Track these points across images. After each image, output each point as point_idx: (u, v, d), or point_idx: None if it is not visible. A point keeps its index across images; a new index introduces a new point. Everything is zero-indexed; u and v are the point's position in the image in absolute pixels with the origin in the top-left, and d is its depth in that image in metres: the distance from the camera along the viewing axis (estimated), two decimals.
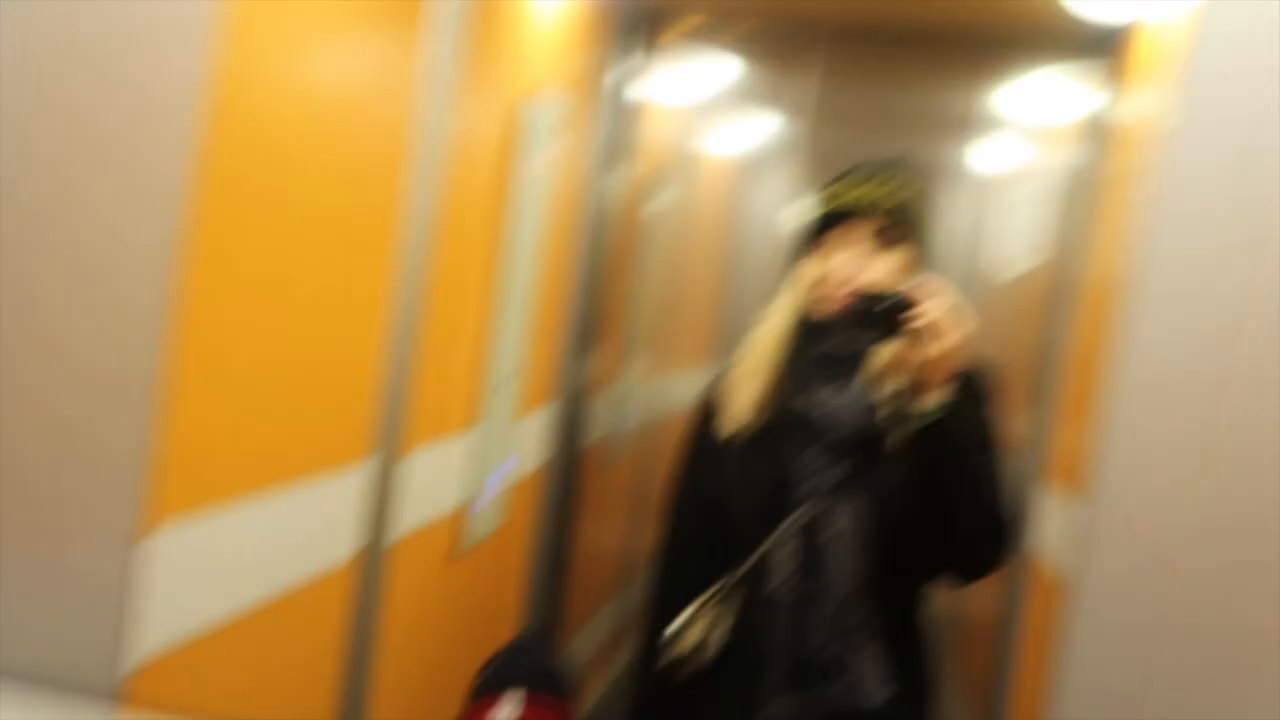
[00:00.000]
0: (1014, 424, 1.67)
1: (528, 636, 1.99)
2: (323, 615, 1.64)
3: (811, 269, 1.60)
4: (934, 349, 1.41)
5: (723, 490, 1.63)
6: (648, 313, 2.97)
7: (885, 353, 1.57)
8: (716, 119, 2.86)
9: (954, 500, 1.46)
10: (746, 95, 2.82)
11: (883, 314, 1.43)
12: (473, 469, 2.14)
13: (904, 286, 1.45)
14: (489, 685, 1.80)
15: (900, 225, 1.57)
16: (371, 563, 1.75)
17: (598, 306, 2.83)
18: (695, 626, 1.60)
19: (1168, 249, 0.88)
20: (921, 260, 1.59)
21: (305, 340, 1.49)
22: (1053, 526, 2.11)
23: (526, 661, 1.86)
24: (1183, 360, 0.90)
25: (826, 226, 1.59)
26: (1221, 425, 0.89)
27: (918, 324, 1.41)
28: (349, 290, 1.59)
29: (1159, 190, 0.88)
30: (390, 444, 1.75)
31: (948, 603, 2.01)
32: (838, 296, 1.55)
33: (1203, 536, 0.90)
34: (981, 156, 2.64)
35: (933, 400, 1.45)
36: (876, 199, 1.57)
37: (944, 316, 1.41)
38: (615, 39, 2.65)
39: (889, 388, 1.57)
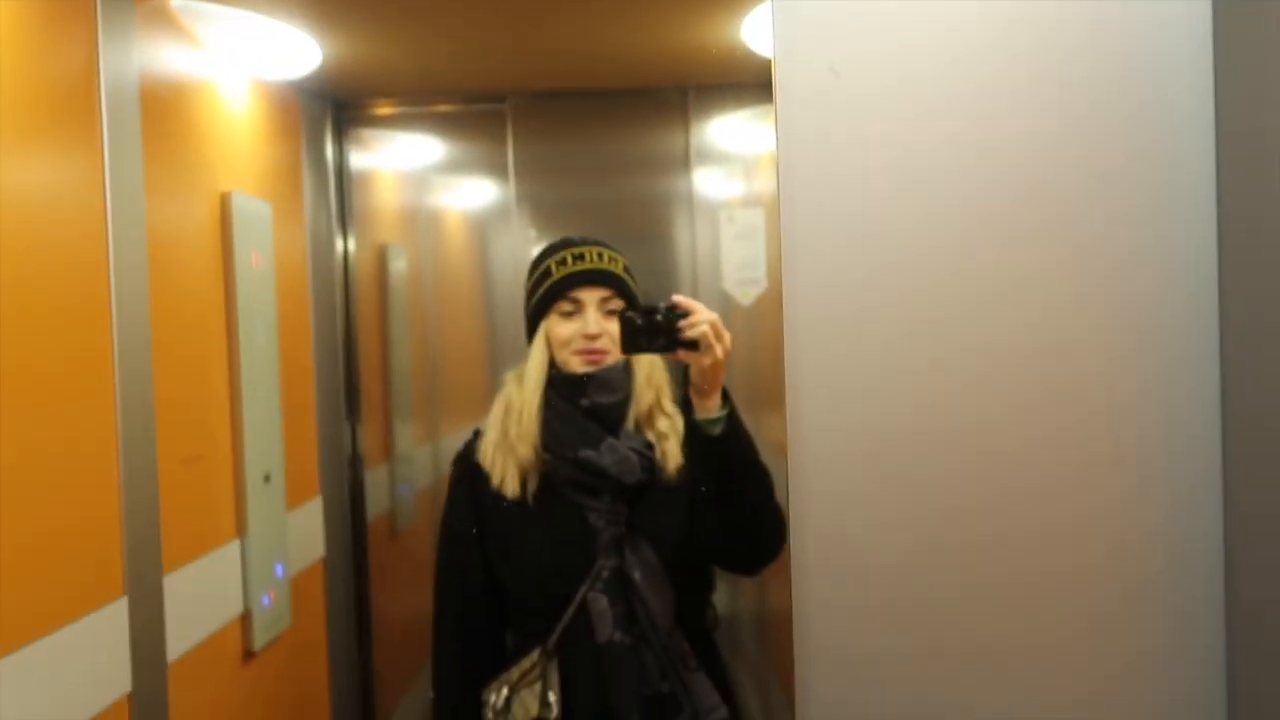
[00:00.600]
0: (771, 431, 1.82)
1: None
2: None
3: (560, 330, 1.70)
4: (709, 357, 1.49)
5: (516, 552, 1.66)
6: (410, 378, 3.00)
7: (645, 398, 1.69)
8: (435, 183, 2.93)
9: (750, 499, 1.55)
10: (454, 162, 2.92)
11: (663, 324, 1.49)
12: (253, 569, 2.11)
13: (669, 301, 1.51)
14: None
15: (622, 292, 1.70)
16: (153, 686, 1.70)
17: (356, 381, 2.84)
18: (527, 693, 1.63)
19: (801, 263, 1.02)
20: None
21: (24, 492, 1.44)
22: None
23: None
24: (833, 361, 1.04)
25: (561, 292, 1.71)
26: (884, 413, 1.03)
27: (695, 332, 1.49)
28: (67, 425, 1.54)
29: (784, 209, 1.02)
30: (148, 568, 1.71)
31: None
32: (587, 353, 1.65)
33: (890, 529, 1.04)
34: (708, 188, 2.83)
35: (713, 408, 1.54)
36: (605, 270, 1.70)
37: (715, 325, 1.50)
38: (313, 125, 2.69)
39: (656, 430, 1.69)
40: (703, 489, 1.59)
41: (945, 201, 0.99)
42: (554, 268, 1.71)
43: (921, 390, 1.00)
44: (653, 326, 1.50)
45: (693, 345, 1.50)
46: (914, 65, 1.00)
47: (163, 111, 1.88)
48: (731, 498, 1.56)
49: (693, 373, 1.53)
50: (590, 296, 1.68)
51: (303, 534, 2.44)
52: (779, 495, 1.57)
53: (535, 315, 1.73)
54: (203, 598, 1.93)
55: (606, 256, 1.72)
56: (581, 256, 1.71)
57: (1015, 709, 1.01)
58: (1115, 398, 1.00)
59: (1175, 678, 1.02)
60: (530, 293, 1.75)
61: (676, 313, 1.50)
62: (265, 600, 2.16)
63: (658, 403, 1.70)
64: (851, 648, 1.01)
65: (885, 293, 1.02)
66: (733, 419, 1.55)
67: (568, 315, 1.69)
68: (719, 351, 1.50)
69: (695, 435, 1.56)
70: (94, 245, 1.62)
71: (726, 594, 2.74)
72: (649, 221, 2.86)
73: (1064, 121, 0.99)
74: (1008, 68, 1.00)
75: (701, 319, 1.50)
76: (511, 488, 1.66)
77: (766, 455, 1.60)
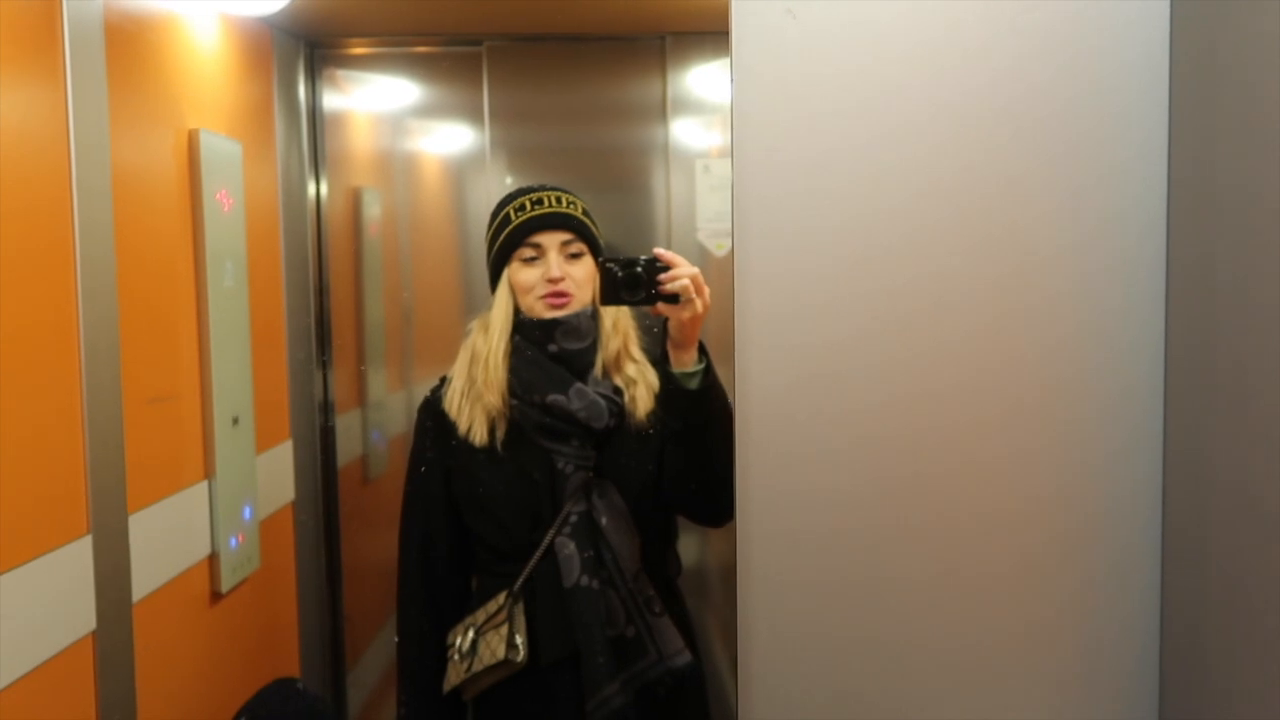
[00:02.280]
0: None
1: (276, 684, 1.98)
2: (72, 690, 1.60)
3: (522, 276, 1.69)
4: (689, 311, 1.50)
5: (485, 498, 1.67)
6: (383, 324, 2.98)
7: (612, 343, 1.69)
8: (410, 127, 2.90)
9: (721, 454, 1.51)
10: (430, 106, 2.88)
11: (644, 276, 1.49)
12: (221, 511, 2.11)
13: (650, 253, 1.51)
14: None
15: (584, 238, 1.70)
16: (117, 625, 1.70)
17: (328, 326, 2.83)
18: (493, 635, 1.65)
19: (753, 212, 1.02)
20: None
21: None
22: None
23: (281, 710, 1.85)
24: (783, 318, 1.04)
25: (521, 238, 1.69)
26: (833, 381, 1.04)
27: (676, 286, 1.49)
28: (29, 364, 1.52)
29: (738, 167, 1.02)
30: (114, 507, 1.70)
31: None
32: (552, 296, 1.66)
33: (834, 462, 1.05)
34: (684, 137, 2.81)
35: (689, 361, 1.55)
36: (565, 214, 1.69)
37: (696, 278, 1.50)
38: (285, 63, 2.64)
39: (624, 375, 1.69)
40: (674, 441, 1.60)
41: (900, 151, 1.00)
42: (513, 214, 1.70)
43: (869, 334, 1.01)
44: (633, 279, 1.50)
45: (673, 299, 1.49)
46: (872, 8, 0.99)
47: (128, 45, 1.84)
48: (703, 451, 1.57)
49: (671, 326, 1.54)
50: (551, 240, 1.67)
51: (272, 477, 2.44)
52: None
53: (497, 263, 1.72)
54: (169, 538, 1.93)
55: (565, 200, 1.71)
56: (540, 201, 1.70)
57: (955, 638, 1.04)
58: (1057, 334, 1.02)
59: (1111, 614, 1.04)
60: (491, 241, 1.74)
61: (657, 266, 1.50)
62: (233, 542, 2.16)
63: (625, 349, 1.71)
64: (789, 574, 1.03)
65: (836, 241, 1.02)
66: (709, 373, 1.56)
67: (529, 261, 1.68)
68: (699, 306, 1.50)
69: (671, 388, 1.57)
70: (57, 182, 1.59)
71: (695, 542, 2.76)
72: (625, 170, 2.83)
73: (1023, 69, 1.00)
74: (969, 12, 1.00)
75: (682, 273, 1.50)
76: (479, 435, 1.67)
77: None
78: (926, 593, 1.03)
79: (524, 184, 1.80)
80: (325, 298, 2.82)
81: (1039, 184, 1.01)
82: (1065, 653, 1.04)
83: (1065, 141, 1.00)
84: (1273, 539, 0.85)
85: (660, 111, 2.80)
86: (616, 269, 1.51)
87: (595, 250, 1.72)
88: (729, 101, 1.03)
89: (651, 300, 1.51)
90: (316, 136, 2.78)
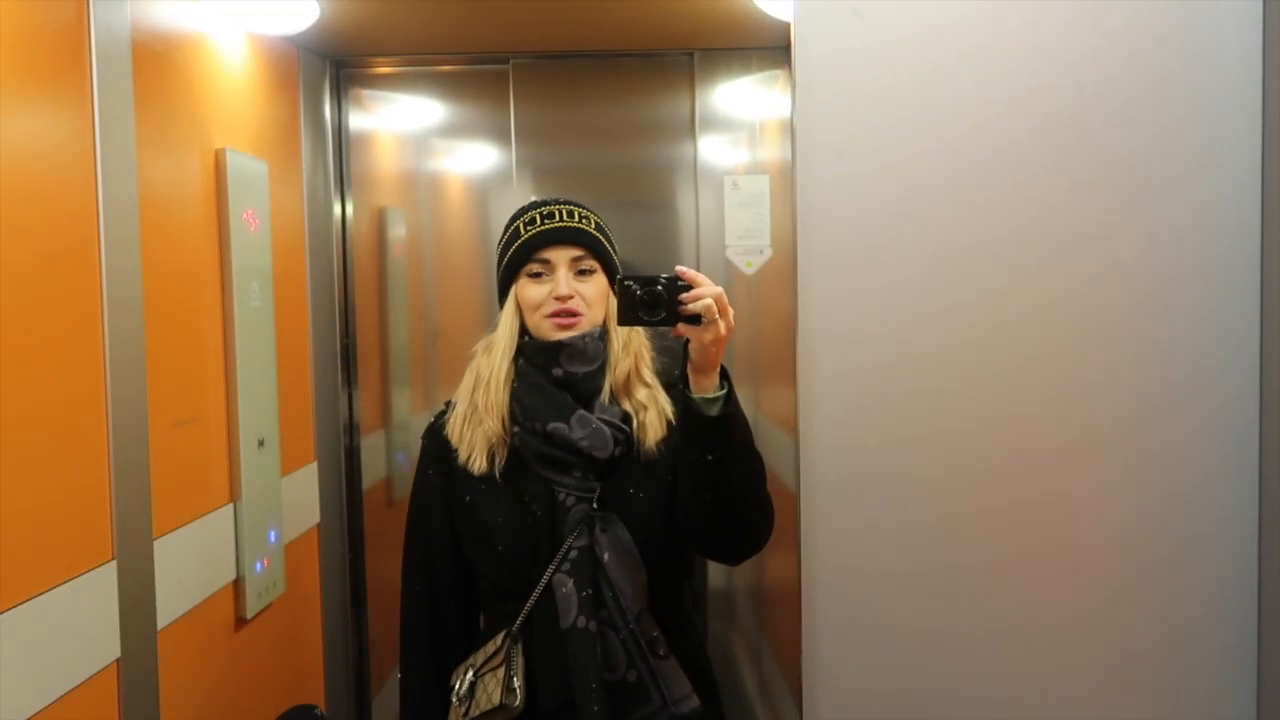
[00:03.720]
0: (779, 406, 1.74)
1: (296, 711, 1.94)
2: (98, 715, 1.56)
3: (529, 293, 1.62)
4: (711, 333, 1.39)
5: (483, 530, 1.59)
6: (408, 345, 2.95)
7: (622, 365, 1.61)
8: (436, 146, 2.88)
9: (740, 486, 1.45)
10: (455, 125, 2.86)
11: (665, 295, 1.39)
12: (246, 535, 2.07)
13: (672, 271, 1.41)
14: None
15: (597, 254, 1.62)
16: (142, 652, 1.67)
17: (353, 347, 2.80)
18: (490, 678, 1.57)
19: (818, 239, 0.97)
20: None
21: (8, 452, 1.40)
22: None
23: None
24: (851, 331, 1.00)
25: (529, 253, 1.62)
26: (894, 386, 0.99)
27: (699, 306, 1.38)
28: (54, 387, 1.50)
29: (802, 182, 0.97)
30: (139, 532, 1.67)
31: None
32: (559, 315, 1.57)
33: (908, 488, 1.00)
34: (713, 154, 2.77)
35: (711, 386, 1.43)
36: (576, 228, 1.62)
37: (720, 299, 1.39)
38: (311, 83, 2.63)
39: (634, 400, 1.60)
40: (689, 472, 1.50)
41: (974, 158, 0.95)
42: (522, 228, 1.63)
43: (940, 355, 0.96)
44: (653, 298, 1.40)
45: (695, 320, 1.39)
46: (943, 6, 0.95)
47: (155, 65, 1.82)
48: (721, 483, 1.45)
49: (692, 349, 1.42)
50: (560, 256, 1.59)
51: (297, 500, 2.41)
52: (788, 479, 1.49)
53: (506, 279, 1.65)
54: (194, 563, 1.90)
55: (577, 215, 1.63)
56: (551, 215, 1.62)
57: (1032, 686, 0.98)
58: (1145, 350, 0.96)
59: (1208, 649, 0.98)
60: (500, 256, 1.68)
61: (679, 284, 1.40)
62: (259, 566, 2.13)
63: (636, 371, 1.61)
64: (859, 618, 0.98)
65: (904, 258, 0.98)
66: (730, 399, 1.45)
67: (537, 277, 1.61)
68: (722, 328, 1.39)
69: (689, 415, 1.45)
70: (83, 202, 1.57)
71: (722, 566, 2.71)
72: (653, 188, 2.80)
73: (1105, 68, 0.95)
74: (1046, 11, 0.95)
75: (706, 292, 1.38)
76: (479, 463, 1.59)
77: (767, 433, 1.54)
78: (1009, 640, 0.98)
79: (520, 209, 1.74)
80: (350, 318, 2.80)
81: (1124, 190, 0.96)
82: (1162, 689, 0.98)
83: (1146, 142, 0.95)
84: None
85: (689, 128, 2.77)
86: (635, 287, 1.42)
87: (609, 268, 1.63)
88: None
89: (672, 321, 1.41)
90: (342, 156, 2.76)
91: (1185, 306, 0.95)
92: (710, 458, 1.45)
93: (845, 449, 0.96)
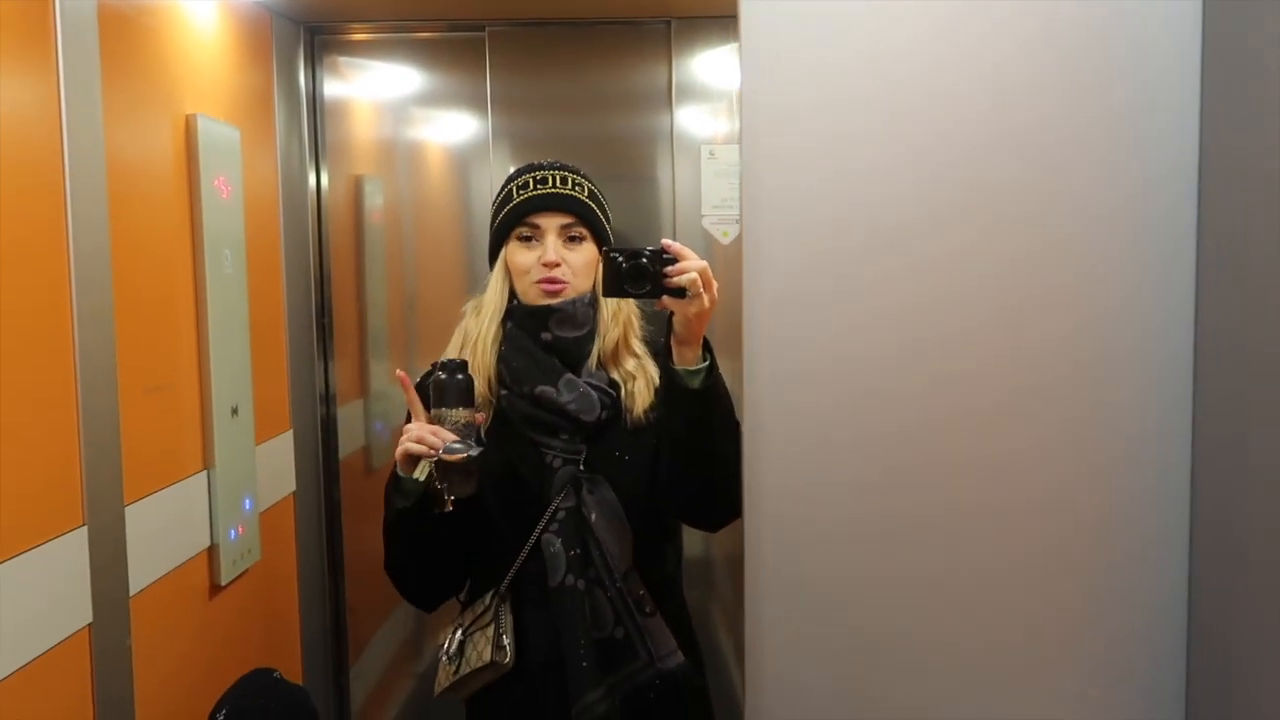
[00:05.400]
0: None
1: (254, 674, 1.95)
2: (69, 683, 1.57)
3: (518, 257, 1.63)
4: (695, 306, 1.42)
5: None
6: (385, 314, 2.95)
7: (611, 334, 1.63)
8: (412, 114, 2.86)
9: (720, 456, 1.46)
10: (432, 93, 2.84)
11: (650, 268, 1.42)
12: (220, 502, 2.08)
13: (657, 245, 1.44)
14: None
15: (586, 222, 1.63)
16: (114, 618, 1.68)
17: (329, 316, 2.80)
18: (479, 636, 1.59)
19: (764, 207, 0.98)
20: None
21: None
22: None
23: (265, 705, 1.82)
24: (794, 300, 1.01)
25: (519, 218, 1.64)
26: (840, 358, 1.00)
27: (683, 280, 1.41)
28: (21, 352, 1.49)
29: (748, 151, 0.98)
30: (110, 498, 1.68)
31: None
32: (546, 282, 1.59)
33: (851, 446, 1.02)
34: (690, 123, 2.77)
35: (693, 359, 1.47)
36: (567, 195, 1.63)
37: (704, 273, 1.43)
38: (284, 49, 2.61)
39: (623, 370, 1.62)
40: (671, 441, 1.54)
41: (916, 130, 0.97)
42: (515, 191, 1.65)
43: (882, 319, 0.98)
44: (638, 270, 1.43)
45: (679, 293, 1.42)
46: None
47: (123, 29, 1.81)
48: (702, 453, 1.49)
49: (676, 321, 1.46)
50: (550, 223, 1.61)
51: (272, 468, 2.41)
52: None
53: (496, 241, 1.67)
54: (168, 530, 1.91)
55: (571, 181, 1.64)
56: (544, 180, 1.63)
57: (975, 630, 1.01)
58: (1084, 311, 0.98)
59: (1139, 602, 1.01)
60: (493, 218, 1.69)
61: (664, 258, 1.43)
62: (233, 534, 2.13)
63: (625, 340, 1.64)
64: (800, 570, 1.00)
65: (848, 225, 0.99)
66: (712, 372, 1.49)
67: (527, 241, 1.62)
68: (706, 301, 1.43)
69: (672, 386, 1.50)
70: (49, 169, 1.56)
71: (700, 534, 2.73)
72: (629, 157, 2.80)
73: (1046, 44, 0.96)
74: None
75: (690, 266, 1.42)
76: None
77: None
78: (943, 585, 1.00)
79: (510, 173, 1.74)
80: (326, 287, 2.79)
81: (1060, 163, 0.97)
82: (1091, 642, 1.01)
83: (1089, 118, 0.97)
84: None
85: (665, 97, 2.76)
86: (621, 259, 1.44)
87: (600, 235, 1.65)
88: (737, 86, 0.99)
89: (657, 293, 1.44)
90: (317, 123, 2.75)
91: (1120, 279, 0.97)
92: (691, 428, 1.49)
93: (788, 409, 0.98)
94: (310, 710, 1.88)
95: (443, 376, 1.49)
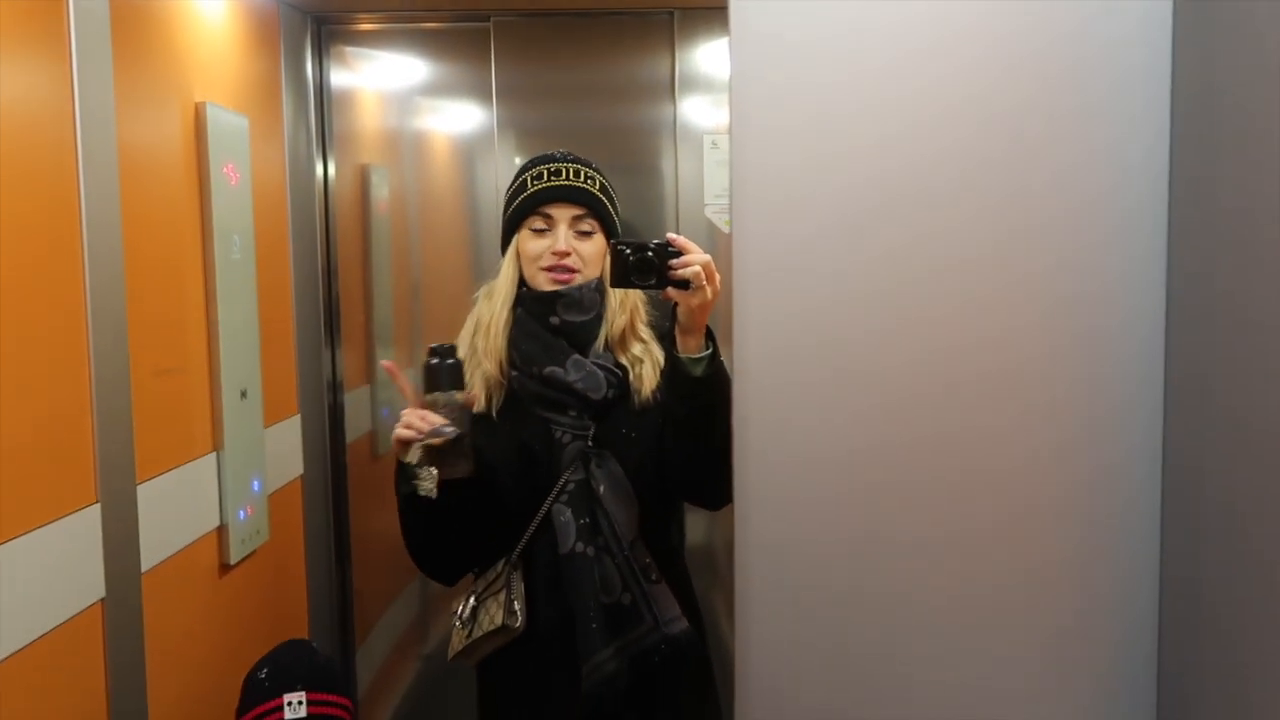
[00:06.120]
0: None
1: (292, 642, 2.00)
2: (82, 655, 1.62)
3: (529, 246, 1.69)
4: (698, 298, 1.49)
5: (482, 465, 1.64)
6: (391, 302, 2.99)
7: (618, 320, 1.69)
8: (418, 104, 2.90)
9: (722, 441, 1.49)
10: (437, 83, 2.88)
11: (655, 260, 1.48)
12: (229, 483, 2.12)
13: (663, 238, 1.50)
14: (264, 691, 1.82)
15: (597, 214, 1.69)
16: (127, 593, 1.73)
17: (336, 303, 2.84)
18: (491, 601, 1.65)
19: (751, 186, 1.02)
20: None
21: None
22: None
23: (298, 663, 1.88)
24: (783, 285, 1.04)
25: (533, 208, 1.69)
26: (833, 342, 1.04)
27: (687, 272, 1.48)
28: (37, 335, 1.53)
29: (737, 131, 1.01)
30: (122, 477, 1.72)
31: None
32: (555, 270, 1.65)
33: (839, 419, 1.05)
34: (693, 113, 2.80)
35: (696, 347, 1.55)
36: (579, 187, 1.69)
37: (707, 265, 1.49)
38: (292, 39, 2.65)
39: (630, 354, 1.68)
40: (674, 426, 1.60)
41: (903, 117, 1.00)
42: (530, 182, 1.70)
43: (870, 297, 1.01)
44: (644, 263, 1.49)
45: (683, 285, 1.49)
46: None
47: (134, 18, 1.85)
48: (704, 437, 1.56)
49: (680, 312, 1.54)
50: (562, 214, 1.67)
51: (281, 451, 2.46)
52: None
53: (509, 229, 1.73)
54: (178, 509, 1.95)
55: (584, 174, 1.71)
56: (559, 173, 1.70)
57: (953, 597, 1.04)
58: (1061, 293, 1.02)
59: (1111, 571, 1.05)
60: (506, 205, 1.74)
61: (669, 251, 1.49)
62: (241, 514, 2.18)
63: (631, 326, 1.70)
64: (789, 537, 1.04)
65: (834, 208, 1.02)
66: (715, 360, 1.57)
67: (539, 232, 1.69)
68: (709, 293, 1.50)
69: (676, 374, 1.57)
70: (62, 155, 1.60)
71: (702, 519, 2.77)
72: (633, 148, 2.83)
73: (1026, 42, 0.99)
74: None
75: (694, 259, 1.49)
76: (478, 404, 1.67)
77: None
78: (927, 548, 1.04)
79: (523, 161, 1.79)
80: (333, 275, 2.83)
81: (1039, 149, 1.01)
82: (1064, 606, 1.04)
83: (1069, 106, 1.00)
84: (1272, 482, 0.85)
85: (669, 88, 2.79)
86: (628, 252, 1.50)
87: (609, 228, 1.71)
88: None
89: (662, 285, 1.50)
90: (324, 113, 2.78)
91: (1099, 261, 1.01)
92: (693, 413, 1.57)
93: (774, 385, 1.02)
94: (342, 678, 1.94)
95: (432, 361, 1.54)
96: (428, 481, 1.53)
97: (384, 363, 1.64)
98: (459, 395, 1.53)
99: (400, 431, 1.53)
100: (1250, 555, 0.89)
